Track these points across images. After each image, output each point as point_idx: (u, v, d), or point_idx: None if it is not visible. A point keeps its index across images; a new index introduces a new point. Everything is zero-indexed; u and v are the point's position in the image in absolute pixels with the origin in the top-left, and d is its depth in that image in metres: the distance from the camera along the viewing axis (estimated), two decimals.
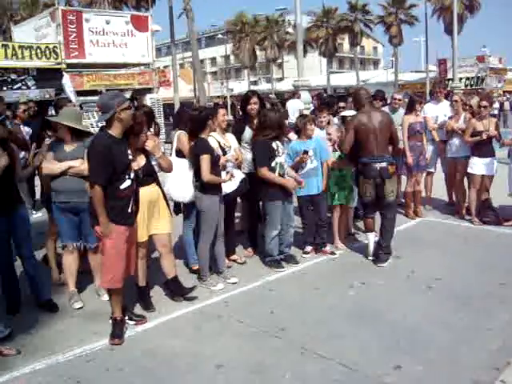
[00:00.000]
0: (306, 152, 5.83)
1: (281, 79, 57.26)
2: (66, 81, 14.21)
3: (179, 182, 5.27)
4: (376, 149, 5.70)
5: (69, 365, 3.87)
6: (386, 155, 5.77)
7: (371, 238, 6.02)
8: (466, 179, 7.49)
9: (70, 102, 8.47)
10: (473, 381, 3.46)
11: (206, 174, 5.05)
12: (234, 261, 6.00)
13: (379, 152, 5.70)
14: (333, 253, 6.17)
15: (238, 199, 6.29)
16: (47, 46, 14.71)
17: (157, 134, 5.56)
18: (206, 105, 15.88)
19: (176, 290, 5.00)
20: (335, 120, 7.41)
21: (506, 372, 3.52)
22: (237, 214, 6.60)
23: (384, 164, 5.69)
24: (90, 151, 4.10)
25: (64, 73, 14.64)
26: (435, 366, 3.67)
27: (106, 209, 3.98)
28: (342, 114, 7.14)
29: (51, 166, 4.79)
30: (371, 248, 6.00)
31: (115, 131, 4.04)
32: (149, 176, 4.64)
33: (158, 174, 4.88)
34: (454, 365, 3.68)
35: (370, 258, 5.96)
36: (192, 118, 5.26)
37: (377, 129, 5.70)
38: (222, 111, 5.80)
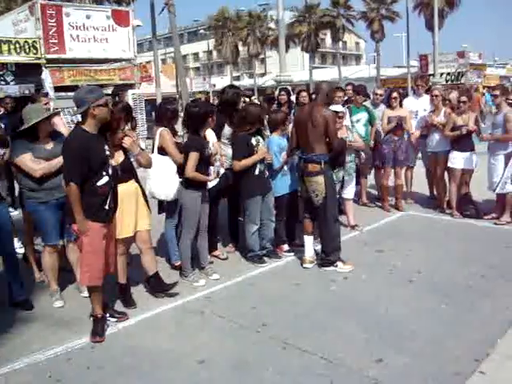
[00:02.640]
0: None
1: (263, 74, 57.21)
2: (46, 76, 14.03)
3: (162, 180, 5.20)
4: (306, 146, 5.48)
5: (49, 364, 3.82)
6: (313, 154, 5.41)
7: (306, 242, 5.71)
8: (446, 173, 7.56)
9: (47, 96, 8.33)
10: (454, 373, 3.49)
11: (191, 171, 5.02)
12: (216, 256, 5.97)
13: (308, 150, 5.45)
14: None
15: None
16: (26, 41, 14.44)
17: (133, 128, 5.48)
18: (188, 100, 15.72)
19: (157, 287, 4.96)
20: None
21: (485, 363, 3.55)
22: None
23: (306, 161, 5.47)
24: (64, 148, 4.02)
25: (44, 68, 14.44)
26: (418, 359, 3.69)
27: (83, 206, 3.90)
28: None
29: (47, 165, 4.65)
30: (307, 253, 5.68)
31: (89, 127, 3.96)
32: (127, 172, 4.58)
33: (139, 170, 4.83)
34: (437, 357, 3.71)
35: (305, 265, 5.63)
36: (192, 115, 5.18)
37: (308, 127, 5.41)
38: None
